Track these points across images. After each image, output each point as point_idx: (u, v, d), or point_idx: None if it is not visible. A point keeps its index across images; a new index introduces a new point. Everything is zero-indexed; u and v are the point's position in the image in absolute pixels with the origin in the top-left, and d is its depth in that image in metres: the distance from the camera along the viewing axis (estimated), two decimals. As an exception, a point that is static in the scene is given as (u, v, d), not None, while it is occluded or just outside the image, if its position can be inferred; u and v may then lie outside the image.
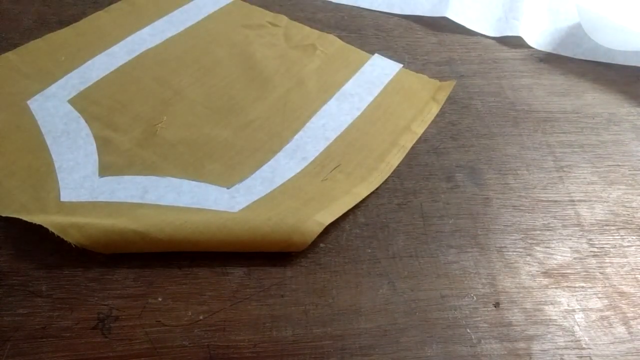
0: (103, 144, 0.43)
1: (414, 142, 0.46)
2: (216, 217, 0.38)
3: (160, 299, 0.34)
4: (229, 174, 0.42)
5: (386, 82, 0.52)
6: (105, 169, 0.42)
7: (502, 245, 0.39)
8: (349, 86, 0.51)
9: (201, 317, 0.34)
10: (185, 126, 0.46)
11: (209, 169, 0.42)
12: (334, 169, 0.43)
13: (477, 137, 0.47)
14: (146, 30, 0.54)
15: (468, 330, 0.34)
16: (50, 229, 0.35)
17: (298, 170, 0.43)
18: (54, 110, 0.46)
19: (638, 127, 0.50)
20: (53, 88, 0.47)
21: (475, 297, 0.36)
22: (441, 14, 0.60)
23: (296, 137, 0.45)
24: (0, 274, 0.35)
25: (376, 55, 0.55)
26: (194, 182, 0.41)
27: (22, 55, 0.50)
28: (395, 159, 0.45)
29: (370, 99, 0.50)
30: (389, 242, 0.39)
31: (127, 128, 0.45)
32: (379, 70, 0.53)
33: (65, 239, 0.35)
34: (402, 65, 0.54)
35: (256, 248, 0.37)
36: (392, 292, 0.36)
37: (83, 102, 0.46)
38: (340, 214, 0.39)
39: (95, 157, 0.42)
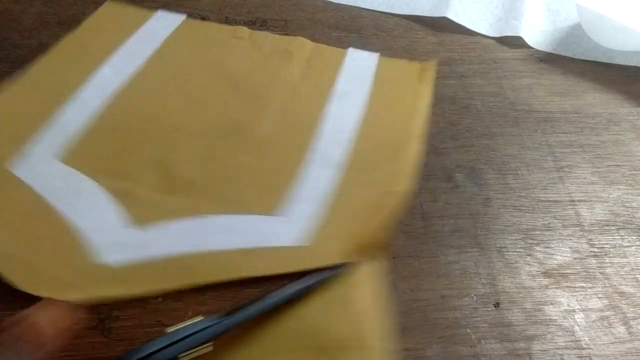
0: (125, 197, 0.39)
1: (426, 125, 0.47)
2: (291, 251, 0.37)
3: (160, 299, 0.34)
4: (273, 199, 0.40)
5: (372, 73, 0.52)
6: (139, 221, 0.38)
7: (502, 245, 0.39)
8: (341, 85, 0.50)
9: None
10: (201, 160, 0.43)
11: (249, 198, 0.40)
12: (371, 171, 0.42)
13: (477, 137, 0.47)
14: (107, 70, 0.49)
15: (468, 331, 0.34)
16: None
17: (337, 181, 0.42)
18: (48, 171, 0.40)
19: (638, 127, 0.50)
20: (33, 148, 0.42)
21: (475, 297, 0.36)
22: (441, 14, 0.60)
23: (316, 146, 0.44)
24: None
25: (350, 49, 0.55)
26: (241, 217, 0.39)
27: None
28: (417, 145, 0.45)
29: (366, 91, 0.50)
30: (389, 243, 0.39)
31: (140, 175, 0.41)
32: (361, 63, 0.53)
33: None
34: (378, 54, 0.54)
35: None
36: (392, 292, 0.36)
37: (78, 158, 0.42)
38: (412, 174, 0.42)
39: (121, 210, 0.38)
